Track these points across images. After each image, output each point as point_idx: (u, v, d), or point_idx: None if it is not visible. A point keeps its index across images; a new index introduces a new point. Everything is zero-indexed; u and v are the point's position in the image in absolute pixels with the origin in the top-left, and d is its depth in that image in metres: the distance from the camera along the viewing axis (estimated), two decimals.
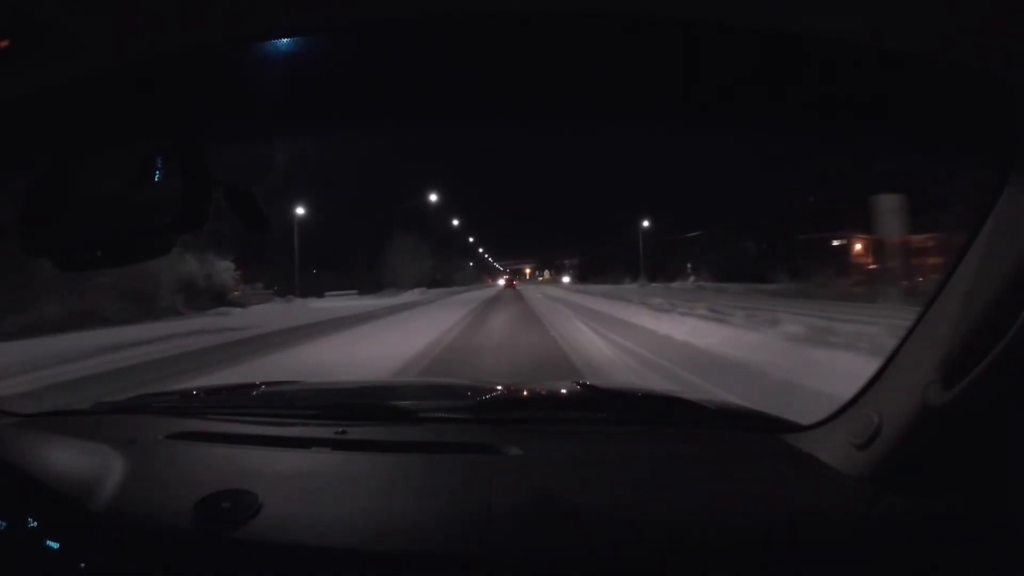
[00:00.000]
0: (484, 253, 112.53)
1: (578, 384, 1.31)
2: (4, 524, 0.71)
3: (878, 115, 0.69)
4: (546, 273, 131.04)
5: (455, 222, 56.28)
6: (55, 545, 0.72)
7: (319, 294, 27.14)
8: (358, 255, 37.28)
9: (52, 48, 0.52)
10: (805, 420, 0.97)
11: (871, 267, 33.20)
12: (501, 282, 67.49)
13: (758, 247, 40.47)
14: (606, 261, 63.91)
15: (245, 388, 1.42)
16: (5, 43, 0.50)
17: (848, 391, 0.87)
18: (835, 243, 36.98)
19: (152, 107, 0.66)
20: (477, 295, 29.89)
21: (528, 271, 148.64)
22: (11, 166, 0.76)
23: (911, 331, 0.74)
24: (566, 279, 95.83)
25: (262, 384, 1.42)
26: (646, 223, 54.80)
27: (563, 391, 1.35)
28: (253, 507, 0.75)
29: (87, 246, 0.63)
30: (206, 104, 0.69)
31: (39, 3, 0.47)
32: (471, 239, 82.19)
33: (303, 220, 27.71)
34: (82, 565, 0.71)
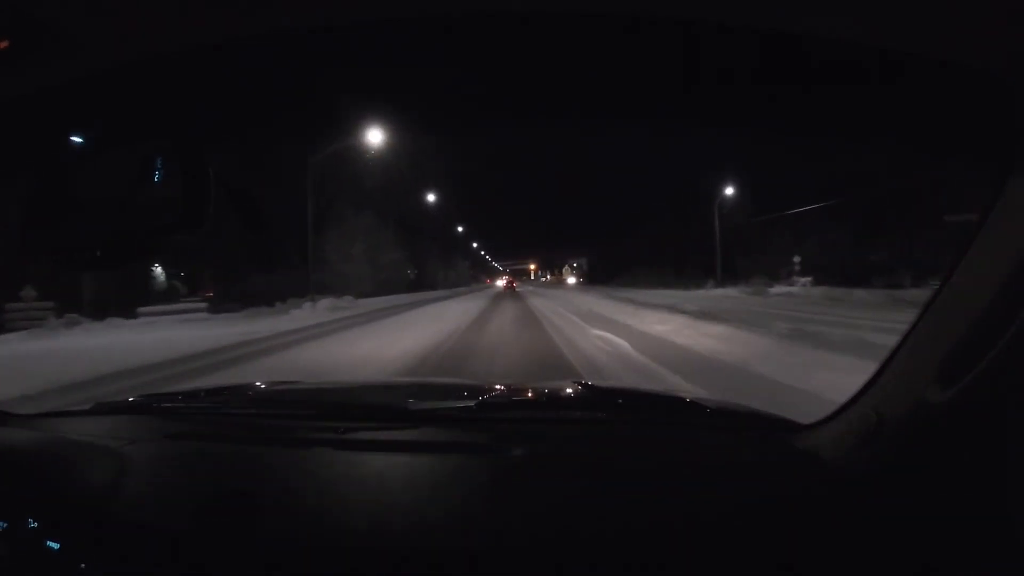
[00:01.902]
0: (482, 251, 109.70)
1: (578, 384, 1.31)
2: (4, 524, 0.71)
3: (878, 115, 0.70)
4: (565, 270, 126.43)
5: (431, 197, 35.06)
6: (55, 545, 0.72)
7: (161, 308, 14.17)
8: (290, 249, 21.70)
9: (52, 48, 0.52)
10: (805, 420, 0.97)
11: None
12: (500, 283, 66.62)
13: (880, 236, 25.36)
14: (628, 258, 49.97)
15: (246, 388, 1.42)
16: (5, 43, 0.50)
17: None
18: None
19: (152, 107, 0.66)
20: (430, 328, 9.94)
21: (532, 270, 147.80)
22: (11, 166, 0.76)
23: (911, 330, 0.74)
24: (571, 280, 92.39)
25: (262, 384, 1.42)
26: (729, 190, 31.53)
27: (563, 391, 1.35)
28: (253, 507, 0.75)
29: (87, 246, 0.63)
30: (206, 104, 0.69)
31: (39, 3, 0.47)
32: (460, 228, 58.31)
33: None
34: (82, 565, 0.71)
